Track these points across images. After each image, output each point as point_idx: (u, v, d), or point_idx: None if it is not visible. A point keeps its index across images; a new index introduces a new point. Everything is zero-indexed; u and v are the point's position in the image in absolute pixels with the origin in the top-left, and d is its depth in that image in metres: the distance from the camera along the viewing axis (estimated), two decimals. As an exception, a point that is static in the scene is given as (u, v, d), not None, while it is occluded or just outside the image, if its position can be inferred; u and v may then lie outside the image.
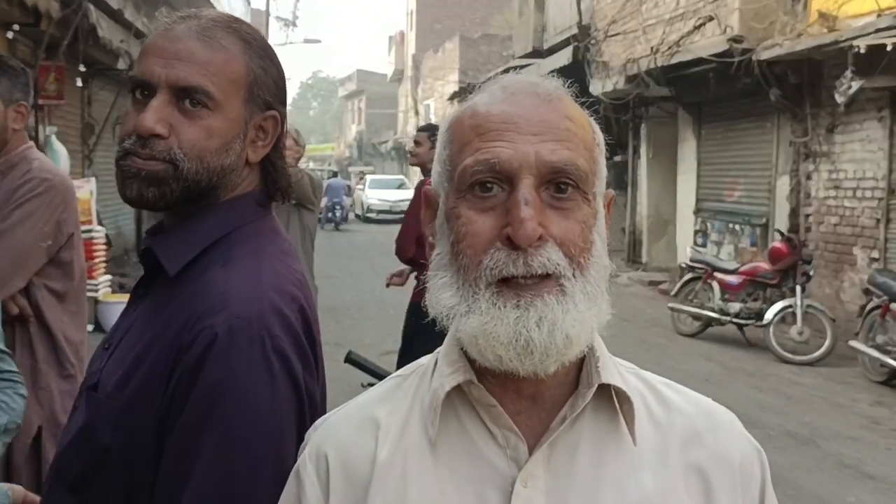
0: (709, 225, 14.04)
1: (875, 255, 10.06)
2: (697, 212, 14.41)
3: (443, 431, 1.00)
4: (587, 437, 1.00)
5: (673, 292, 11.23)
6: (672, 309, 10.86)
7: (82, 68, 10.44)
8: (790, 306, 9.46)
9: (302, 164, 6.64)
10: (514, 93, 1.01)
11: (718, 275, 10.35)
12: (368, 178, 35.08)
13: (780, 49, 10.69)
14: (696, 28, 12.82)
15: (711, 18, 12.42)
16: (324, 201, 23.53)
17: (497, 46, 35.04)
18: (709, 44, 12.19)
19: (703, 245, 13.48)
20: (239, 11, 23.18)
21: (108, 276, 9.40)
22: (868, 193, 10.25)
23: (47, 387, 2.75)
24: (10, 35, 8.80)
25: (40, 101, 9.48)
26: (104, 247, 9.21)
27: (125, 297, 1.81)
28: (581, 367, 1.02)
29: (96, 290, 8.52)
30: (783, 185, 11.92)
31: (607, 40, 16.13)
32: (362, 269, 16.03)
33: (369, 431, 1.04)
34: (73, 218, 2.84)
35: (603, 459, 0.99)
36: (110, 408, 1.27)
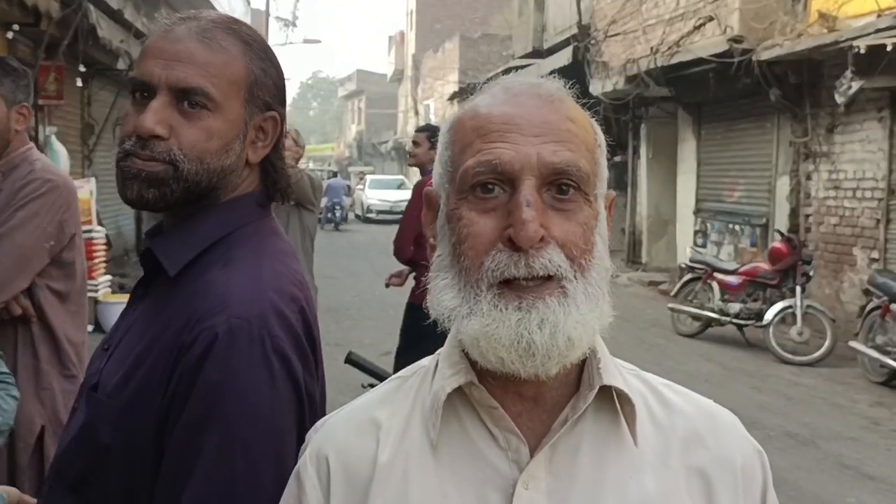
0: (709, 225, 14.04)
1: (875, 255, 10.06)
2: (697, 212, 14.41)
3: (444, 433, 1.00)
4: (588, 438, 1.00)
5: (673, 293, 11.23)
6: (672, 309, 10.86)
7: (82, 68, 10.43)
8: (790, 307, 9.46)
9: (302, 165, 6.64)
10: (516, 94, 1.00)
11: (718, 275, 10.35)
12: (368, 178, 35.07)
13: (780, 49, 10.69)
14: (696, 28, 12.82)
15: (711, 18, 12.42)
16: (323, 201, 23.53)
17: (497, 46, 35.05)
18: (709, 44, 12.19)
19: (703, 245, 13.48)
20: (239, 11, 23.17)
21: (108, 277, 9.40)
22: (868, 194, 10.25)
23: (49, 386, 2.76)
24: (9, 35, 8.80)
25: (40, 102, 9.48)
26: (104, 247, 9.21)
27: (125, 298, 1.81)
28: (582, 368, 1.02)
29: (96, 291, 8.52)
30: (783, 185, 11.92)
31: (607, 40, 16.13)
32: (362, 270, 16.03)
33: (370, 433, 1.04)
34: (75, 219, 2.86)
35: (604, 461, 0.99)
36: (110, 408, 1.27)
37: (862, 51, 9.01)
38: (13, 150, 2.78)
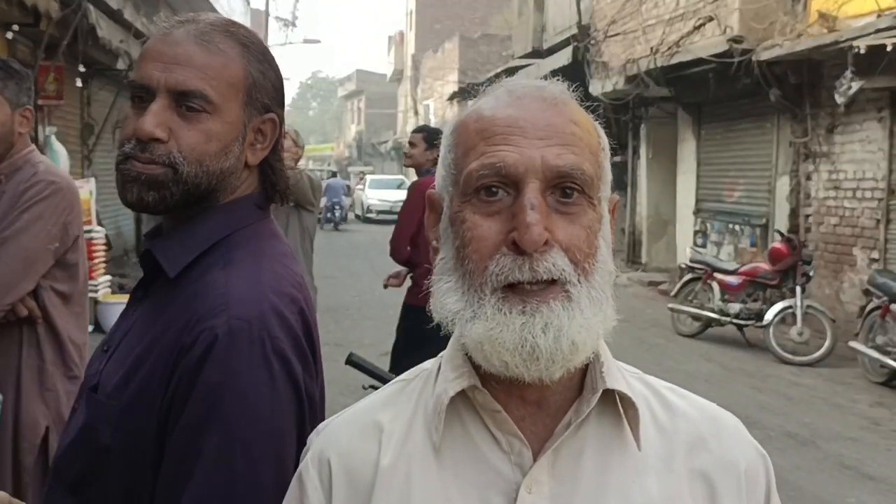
0: (708, 225, 14.04)
1: (875, 255, 10.06)
2: (697, 212, 14.41)
3: (447, 436, 1.00)
4: (592, 442, 1.00)
5: (673, 293, 11.24)
6: (672, 309, 10.86)
7: (82, 68, 10.43)
8: (790, 307, 9.46)
9: (301, 165, 6.63)
10: (520, 97, 1.00)
11: (718, 275, 10.35)
12: (368, 178, 35.07)
13: (779, 49, 10.69)
14: (696, 28, 12.83)
15: (711, 19, 12.42)
16: (323, 201, 23.51)
17: (497, 46, 35.04)
18: (709, 44, 12.19)
19: (703, 245, 13.49)
20: (238, 11, 23.16)
21: (108, 277, 9.41)
22: (868, 194, 10.25)
23: (53, 387, 2.78)
24: (9, 35, 8.79)
25: (40, 102, 9.47)
26: (104, 247, 9.21)
27: (125, 298, 1.82)
28: (585, 372, 1.01)
29: (96, 291, 8.52)
30: (783, 185, 11.92)
31: (607, 40, 16.13)
32: (362, 270, 16.03)
33: (372, 436, 1.04)
34: (78, 220, 2.88)
35: (608, 465, 0.99)
36: (110, 409, 1.28)
37: (862, 51, 9.01)
38: (16, 152, 2.80)
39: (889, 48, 8.72)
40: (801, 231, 11.39)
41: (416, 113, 42.56)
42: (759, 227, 12.48)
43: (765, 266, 10.07)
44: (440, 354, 1.08)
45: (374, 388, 2.72)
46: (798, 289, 9.49)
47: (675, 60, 12.98)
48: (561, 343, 0.93)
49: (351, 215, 32.06)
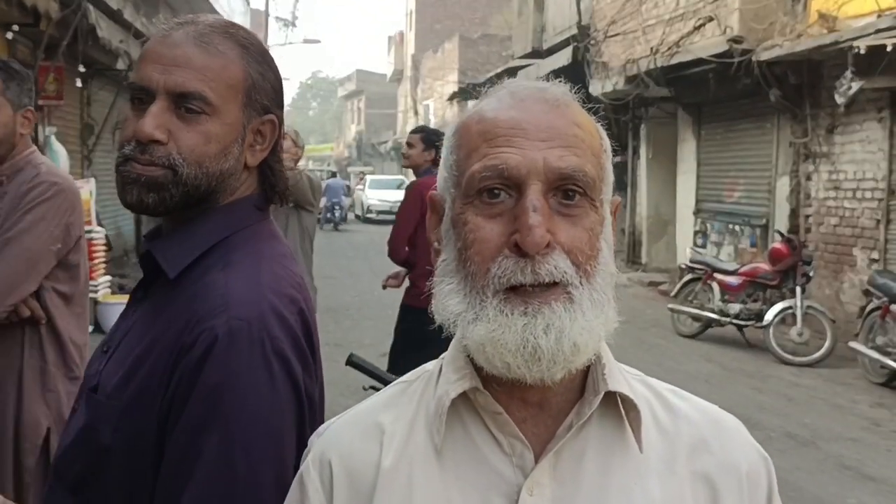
0: (708, 225, 14.04)
1: (875, 256, 10.05)
2: (697, 212, 14.41)
3: (448, 438, 1.00)
4: (593, 444, 1.00)
5: (673, 293, 11.24)
6: (672, 310, 10.86)
7: (82, 69, 10.43)
8: (790, 307, 9.46)
9: (301, 165, 6.62)
10: (523, 98, 1.00)
11: (718, 276, 10.35)
12: (368, 178, 35.06)
13: (779, 50, 10.69)
14: (696, 28, 12.83)
15: (711, 19, 12.42)
16: (322, 201, 23.53)
17: (496, 47, 35.04)
18: (709, 44, 12.19)
19: (703, 246, 13.49)
20: (238, 11, 23.16)
21: (108, 277, 9.41)
22: (868, 194, 10.25)
23: (55, 388, 2.79)
24: (9, 36, 8.79)
25: (39, 102, 9.46)
26: (103, 248, 9.21)
27: (124, 298, 1.82)
28: (587, 374, 1.01)
29: (96, 291, 8.52)
30: (783, 185, 11.92)
31: (607, 41, 16.13)
32: (361, 270, 16.03)
33: (374, 438, 1.04)
34: (80, 221, 2.90)
35: (609, 467, 0.99)
36: (110, 409, 1.28)
37: (862, 51, 9.01)
38: (18, 153, 2.81)
39: (889, 48, 8.72)
40: (801, 231, 11.39)
41: (416, 113, 42.56)
42: (759, 228, 12.48)
43: (765, 266, 10.07)
44: (441, 356, 1.08)
45: (375, 389, 2.72)
46: (798, 289, 9.49)
47: (675, 61, 12.98)
48: (562, 344, 0.92)
49: (351, 215, 32.05)
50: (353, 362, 2.61)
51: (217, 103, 1.32)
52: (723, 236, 13.57)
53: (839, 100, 9.72)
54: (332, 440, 1.06)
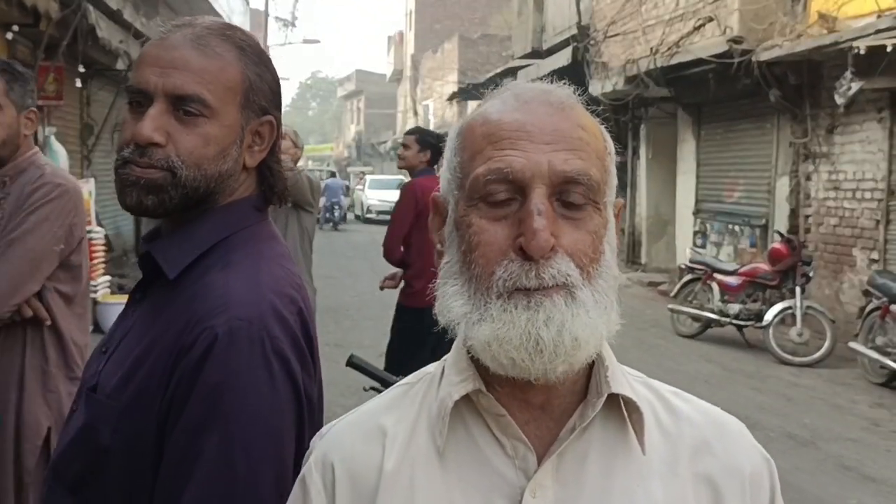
0: (708, 226, 14.04)
1: (875, 256, 10.06)
2: (697, 213, 14.42)
3: (451, 440, 1.00)
4: (596, 446, 0.99)
5: (672, 293, 11.24)
6: (671, 310, 10.86)
7: (81, 69, 10.42)
8: (790, 307, 9.46)
9: (300, 165, 6.62)
10: (527, 101, 1.00)
11: (718, 276, 10.35)
12: (368, 178, 35.04)
13: (779, 50, 10.69)
14: (696, 29, 12.83)
15: (711, 19, 12.42)
16: (322, 201, 23.54)
17: (496, 47, 35.05)
18: (708, 44, 12.19)
19: (703, 246, 13.49)
20: (238, 11, 23.15)
21: (107, 277, 9.41)
22: (868, 195, 10.25)
23: (56, 389, 2.81)
24: (9, 36, 8.78)
25: (39, 102, 9.44)
26: (103, 248, 9.21)
27: (124, 299, 1.82)
28: (589, 376, 1.01)
29: (95, 292, 8.51)
30: (783, 186, 11.92)
31: (606, 41, 16.13)
32: (361, 270, 16.02)
33: (376, 440, 1.03)
34: (82, 222, 2.92)
35: (612, 469, 0.99)
36: (110, 409, 1.28)
37: (862, 52, 9.01)
38: (21, 154, 2.84)
39: (889, 49, 8.72)
40: (800, 232, 11.39)
41: (416, 113, 42.56)
42: (759, 228, 12.48)
43: (764, 267, 10.07)
44: (444, 358, 1.08)
45: (375, 389, 2.71)
46: (798, 289, 9.49)
47: (674, 61, 12.98)
48: (563, 337, 0.92)
49: (351, 215, 32.04)
50: (353, 363, 2.60)
51: (215, 105, 1.33)
52: (722, 236, 13.57)
53: (839, 100, 9.72)
54: (335, 442, 1.06)
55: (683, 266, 11.85)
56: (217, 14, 16.56)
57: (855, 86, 9.43)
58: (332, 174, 35.31)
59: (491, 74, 23.14)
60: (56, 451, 1.40)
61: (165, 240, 1.39)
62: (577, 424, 0.99)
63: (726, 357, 9.58)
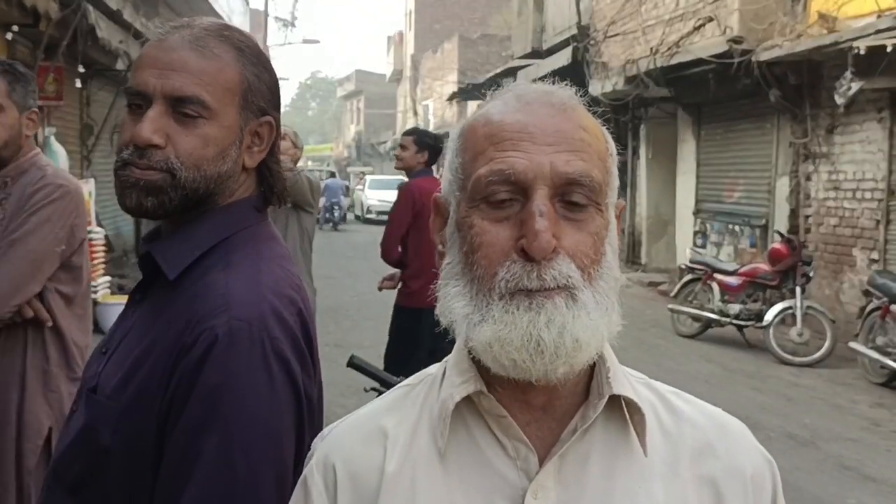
0: (708, 226, 14.04)
1: (875, 256, 10.06)
2: (697, 213, 14.42)
3: (452, 442, 1.00)
4: (598, 448, 0.99)
5: (672, 293, 11.24)
6: (672, 310, 10.86)
7: (81, 69, 10.42)
8: (790, 307, 9.46)
9: (300, 165, 6.62)
10: (529, 102, 1.00)
11: (718, 276, 10.35)
12: (368, 178, 35.02)
13: (779, 50, 10.69)
14: (696, 29, 12.83)
15: (711, 19, 12.42)
16: (322, 201, 23.54)
17: (496, 47, 35.05)
18: (708, 44, 12.19)
19: (703, 246, 13.49)
20: (237, 11, 23.15)
21: (107, 278, 9.41)
22: (868, 195, 10.25)
23: (57, 389, 2.81)
24: (9, 36, 8.78)
25: (39, 102, 9.44)
26: (103, 248, 9.22)
27: (123, 299, 1.82)
28: (591, 377, 1.01)
29: (95, 292, 8.52)
30: (783, 186, 11.92)
31: (606, 41, 16.13)
32: (361, 270, 16.00)
33: (377, 442, 1.03)
34: (84, 223, 2.93)
35: (614, 471, 0.99)
36: (110, 409, 1.29)
37: (862, 52, 9.01)
38: (22, 155, 2.84)
39: (889, 49, 8.72)
40: (800, 232, 11.38)
41: (416, 113, 42.56)
42: (759, 228, 12.48)
43: (765, 267, 10.07)
44: (445, 359, 1.08)
45: (376, 390, 2.71)
46: (798, 289, 9.49)
47: (674, 61, 12.98)
48: (564, 338, 0.92)
49: (350, 216, 32.03)
50: (354, 364, 2.61)
51: (214, 106, 1.33)
52: (722, 236, 13.57)
53: (839, 100, 9.72)
54: (336, 444, 1.06)
55: (683, 266, 11.84)
56: (217, 14, 16.56)
57: (855, 86, 9.43)
58: (332, 174, 35.30)
59: (491, 74, 23.13)
60: (56, 452, 1.40)
61: (165, 240, 1.39)
62: (578, 425, 0.98)
63: (726, 357, 9.58)
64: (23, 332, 2.77)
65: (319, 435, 1.12)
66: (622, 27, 15.46)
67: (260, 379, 1.22)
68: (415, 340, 5.32)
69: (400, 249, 5.57)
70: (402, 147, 5.71)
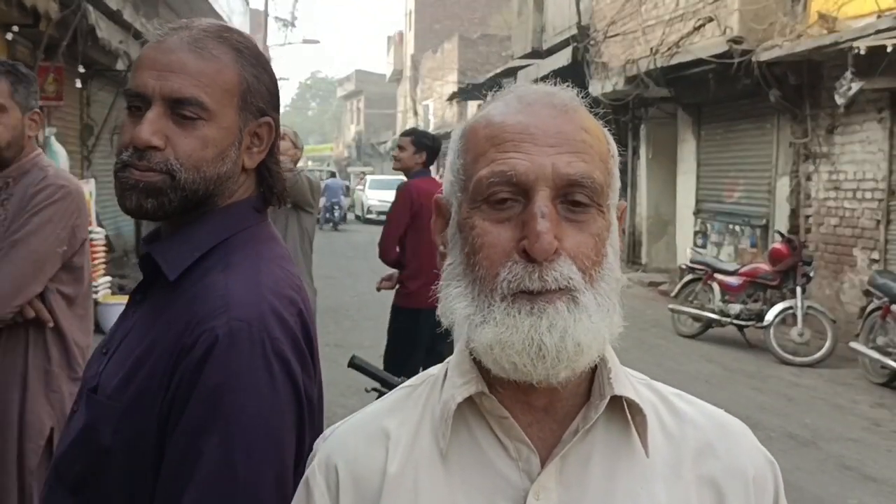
0: (709, 226, 14.04)
1: (875, 256, 10.05)
2: (697, 213, 14.42)
3: (454, 443, 1.00)
4: (599, 449, 0.99)
5: (673, 293, 11.24)
6: (672, 310, 10.86)
7: (81, 69, 10.42)
8: (790, 307, 9.46)
9: (300, 165, 6.62)
10: (530, 103, 1.00)
11: (718, 276, 10.35)
12: (368, 178, 35.01)
13: (779, 50, 10.69)
14: (696, 29, 12.82)
15: (711, 19, 12.42)
16: (322, 202, 23.54)
17: (496, 47, 35.05)
18: (708, 45, 12.19)
19: (703, 246, 13.48)
20: (237, 12, 23.14)
21: (108, 278, 9.41)
22: (868, 195, 10.25)
23: (59, 389, 2.82)
24: (9, 36, 8.78)
25: (39, 103, 9.44)
26: (104, 248, 9.22)
27: (124, 299, 1.83)
28: (593, 378, 1.01)
29: (96, 292, 8.52)
30: (783, 186, 11.92)
31: (606, 41, 16.13)
32: (361, 270, 16.00)
33: (379, 443, 1.03)
34: (85, 224, 2.93)
35: (615, 472, 0.99)
36: (110, 409, 1.29)
37: (862, 52, 9.01)
38: (24, 155, 2.85)
39: (889, 49, 8.72)
40: (801, 232, 11.38)
41: (416, 113, 42.57)
42: (760, 228, 12.48)
43: (765, 267, 10.07)
44: (447, 360, 1.08)
45: (377, 390, 2.71)
46: (798, 289, 9.49)
47: (674, 61, 12.98)
48: (566, 342, 0.93)
49: (351, 216, 32.02)
50: (355, 364, 2.61)
51: (213, 108, 1.33)
52: (723, 236, 13.57)
53: (839, 100, 9.72)
54: (338, 445, 1.06)
55: (684, 266, 11.84)
56: (217, 14, 16.55)
57: (855, 86, 9.42)
58: (332, 174, 35.29)
59: (491, 74, 23.14)
60: (57, 452, 1.40)
61: (165, 242, 1.40)
62: (580, 426, 0.99)
63: (727, 357, 9.58)
64: (24, 333, 2.78)
65: (322, 435, 1.12)
66: (622, 27, 15.46)
67: (260, 379, 1.22)
68: (413, 341, 5.32)
69: (398, 250, 5.57)
70: (400, 148, 5.71)
